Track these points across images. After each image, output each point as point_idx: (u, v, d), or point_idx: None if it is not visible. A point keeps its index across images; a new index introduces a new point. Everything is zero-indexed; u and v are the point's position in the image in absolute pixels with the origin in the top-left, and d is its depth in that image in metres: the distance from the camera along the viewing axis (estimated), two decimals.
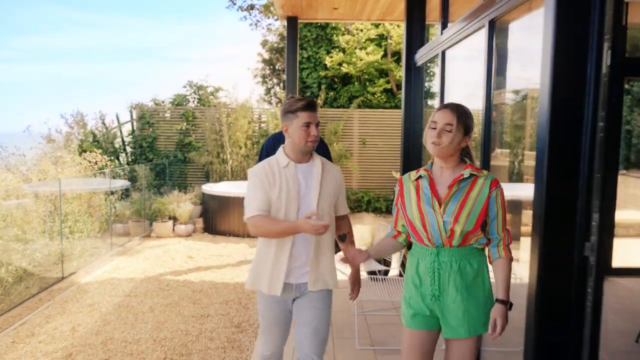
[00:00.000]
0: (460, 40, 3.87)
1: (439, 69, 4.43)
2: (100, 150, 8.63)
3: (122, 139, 10.47)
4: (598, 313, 2.07)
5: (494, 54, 3.20)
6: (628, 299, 4.44)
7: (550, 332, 2.14)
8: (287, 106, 2.35)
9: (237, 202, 8.00)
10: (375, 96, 10.91)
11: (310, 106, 2.33)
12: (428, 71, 5.54)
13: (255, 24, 16.15)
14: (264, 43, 15.19)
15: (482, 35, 3.29)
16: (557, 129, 2.05)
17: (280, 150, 2.46)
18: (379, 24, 10.84)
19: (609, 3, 1.91)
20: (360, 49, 10.96)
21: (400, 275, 5.08)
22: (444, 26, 4.34)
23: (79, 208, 6.03)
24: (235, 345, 4.07)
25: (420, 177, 2.13)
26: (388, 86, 10.94)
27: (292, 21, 6.67)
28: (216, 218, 8.26)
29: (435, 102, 4.90)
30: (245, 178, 10.00)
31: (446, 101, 4.38)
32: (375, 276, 4.79)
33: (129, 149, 10.49)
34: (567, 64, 2.02)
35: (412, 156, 5.62)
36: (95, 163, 7.43)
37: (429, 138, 2.04)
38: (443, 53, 4.32)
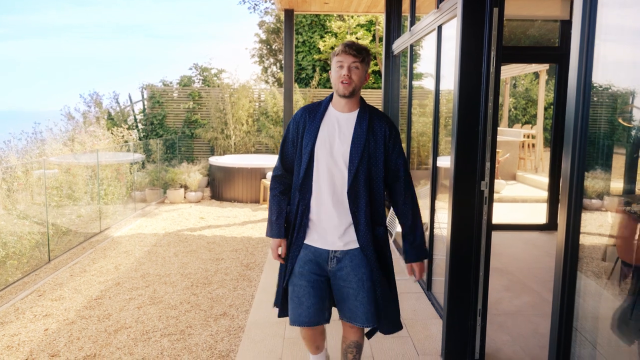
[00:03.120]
0: (422, 37, 4.91)
1: (408, 59, 5.47)
2: (125, 126, 9.75)
3: (135, 116, 11.49)
4: (490, 228, 3.17)
5: (442, 51, 4.24)
6: None
7: (461, 241, 3.24)
8: None
9: (241, 172, 9.09)
10: None
11: None
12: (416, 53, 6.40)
13: (254, 8, 17.00)
14: (261, 24, 16.01)
15: (434, 35, 4.34)
16: (464, 106, 3.12)
17: None
18: None
19: (494, 29, 2.97)
20: (351, 34, 11.93)
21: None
22: (412, 24, 5.37)
23: (111, 175, 7.13)
24: (246, 278, 5.18)
25: None
26: (376, 68, 11.94)
27: (288, 13, 7.64)
28: (222, 186, 9.36)
29: (420, 83, 5.91)
30: (247, 152, 11.08)
31: (415, 87, 5.45)
32: None
33: (140, 126, 11.52)
34: (470, 65, 3.08)
35: None
36: (122, 137, 8.52)
37: None
38: (411, 46, 5.36)
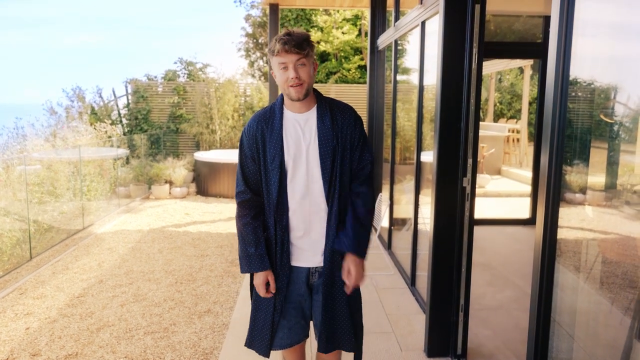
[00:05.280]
0: (406, 33, 4.91)
1: (393, 54, 5.46)
2: (109, 122, 9.65)
3: (119, 111, 11.36)
4: (472, 224, 3.19)
5: (426, 46, 4.24)
6: None
7: (443, 238, 3.25)
8: None
9: (226, 168, 9.05)
10: (351, 72, 11.93)
11: None
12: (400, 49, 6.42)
13: (240, 1, 16.86)
14: (248, 17, 15.90)
15: (418, 31, 4.34)
16: (446, 103, 3.13)
17: None
18: None
19: (476, 25, 2.97)
20: (337, 28, 11.90)
21: None
22: (396, 19, 5.36)
23: (94, 170, 7.06)
24: (230, 274, 5.16)
25: None
26: (362, 63, 11.94)
27: (274, 7, 7.59)
28: (208, 182, 9.30)
29: (405, 78, 5.91)
30: (233, 147, 11.02)
31: (399, 82, 5.45)
32: None
33: (125, 121, 11.40)
34: (453, 62, 3.09)
35: (375, 124, 6.71)
36: (105, 132, 8.43)
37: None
38: (395, 42, 5.35)
